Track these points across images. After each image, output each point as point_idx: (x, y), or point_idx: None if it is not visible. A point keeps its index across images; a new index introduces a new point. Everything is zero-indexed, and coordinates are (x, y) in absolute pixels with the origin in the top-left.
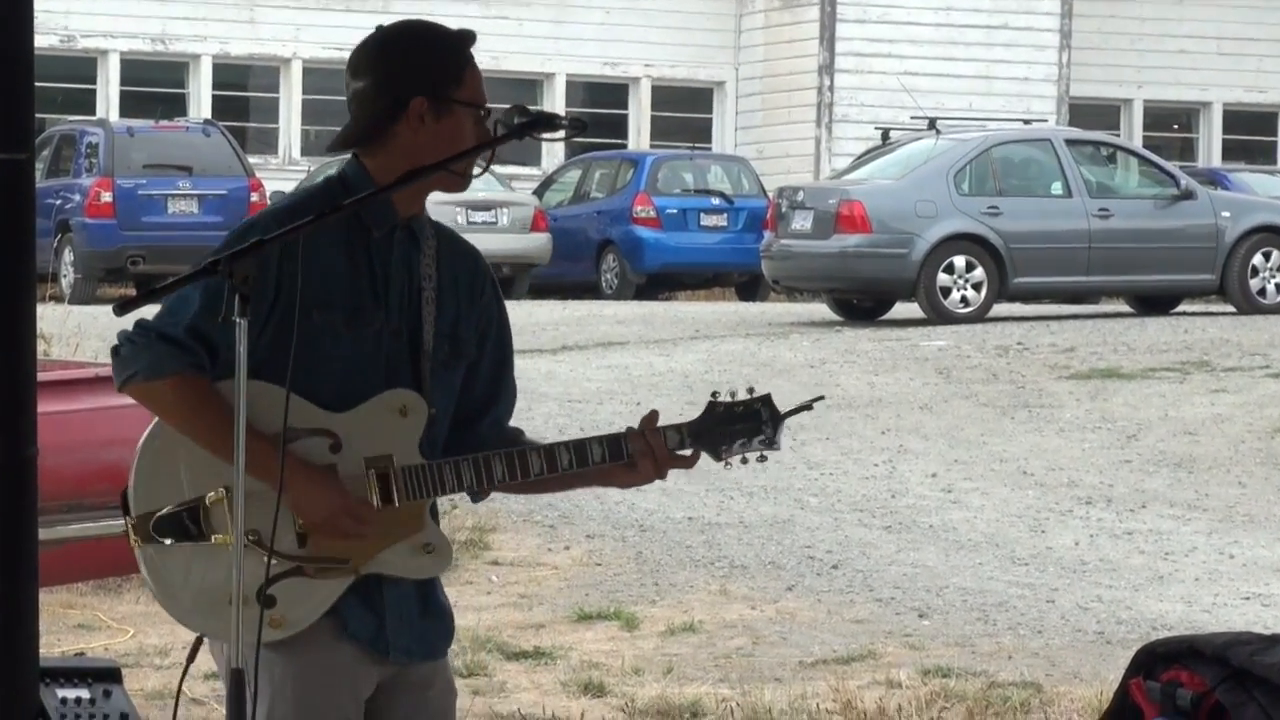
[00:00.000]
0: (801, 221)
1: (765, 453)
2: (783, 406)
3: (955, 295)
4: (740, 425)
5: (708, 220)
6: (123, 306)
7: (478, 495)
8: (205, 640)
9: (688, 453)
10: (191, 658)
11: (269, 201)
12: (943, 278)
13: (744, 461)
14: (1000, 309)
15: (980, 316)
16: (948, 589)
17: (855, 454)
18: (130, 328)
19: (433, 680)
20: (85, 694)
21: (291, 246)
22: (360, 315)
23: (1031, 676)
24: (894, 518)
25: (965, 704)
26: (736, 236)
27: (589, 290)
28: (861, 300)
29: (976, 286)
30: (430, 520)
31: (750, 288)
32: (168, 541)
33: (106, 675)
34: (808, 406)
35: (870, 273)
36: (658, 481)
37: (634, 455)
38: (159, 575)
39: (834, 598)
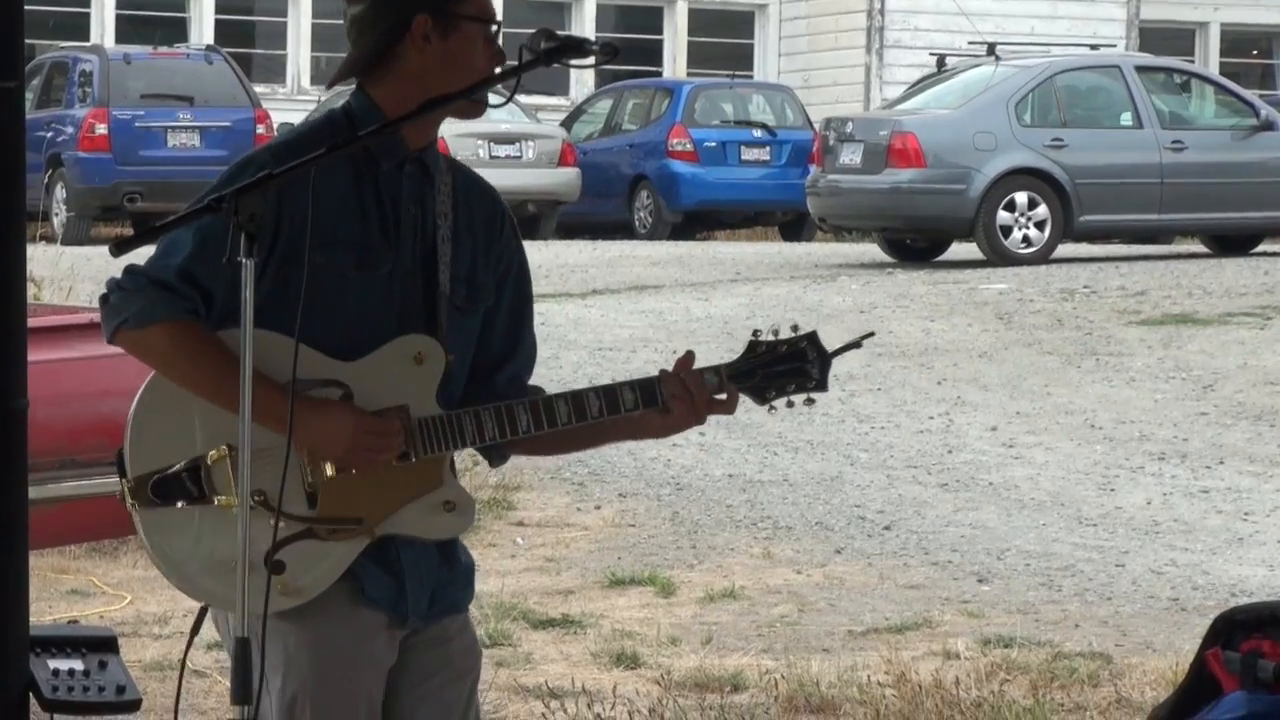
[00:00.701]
0: (850, 155)
1: (812, 395)
2: (829, 345)
3: (1016, 234)
4: (784, 366)
5: (749, 154)
6: (119, 246)
7: (497, 457)
8: (209, 610)
9: (725, 396)
10: (196, 629)
11: (275, 134)
12: (1003, 216)
13: (789, 405)
14: (1065, 249)
15: (1044, 257)
16: (1009, 552)
17: (909, 406)
18: (119, 274)
19: (453, 635)
20: (79, 665)
21: (295, 184)
22: (370, 256)
23: (1100, 647)
24: (951, 475)
25: (1028, 676)
26: (780, 171)
27: (621, 229)
28: (915, 240)
29: (1039, 225)
30: (450, 475)
31: (795, 227)
32: (168, 505)
33: (102, 645)
34: (856, 344)
35: (924, 210)
36: (695, 436)
37: (669, 399)
38: (159, 541)
39: (886, 561)
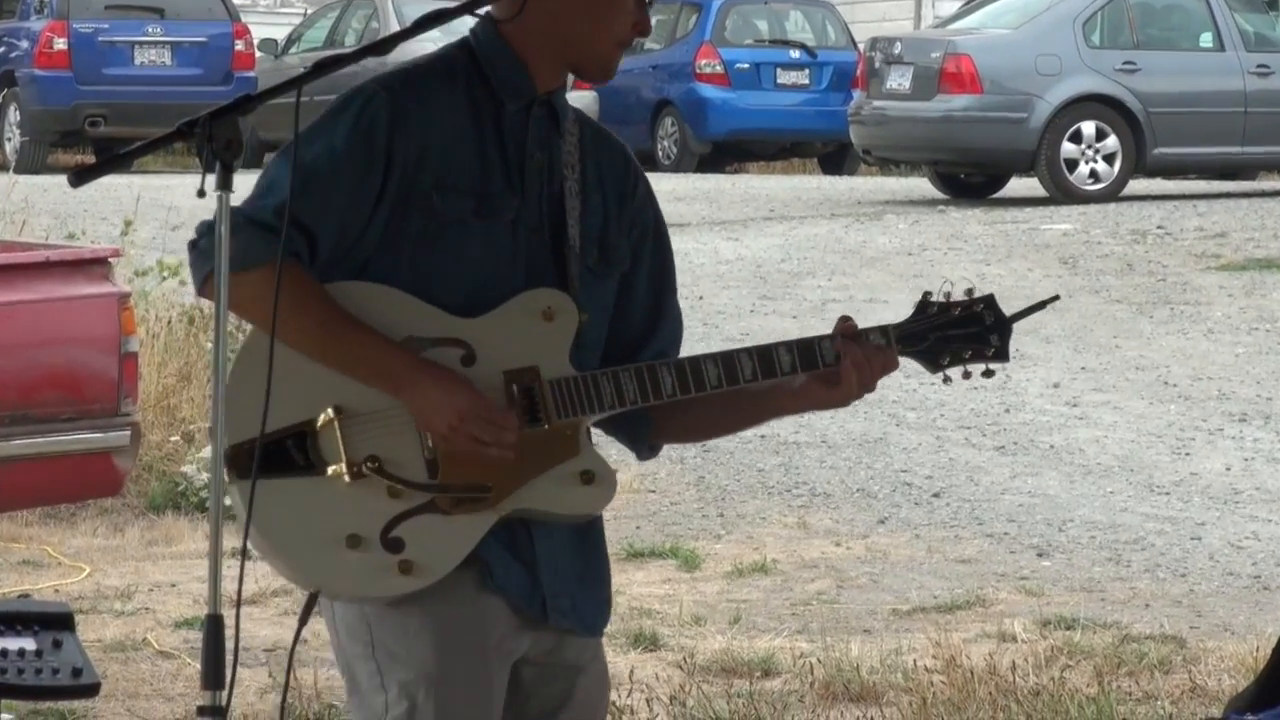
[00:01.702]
0: (898, 79)
1: (990, 366)
2: (1008, 309)
3: (1083, 169)
4: (959, 331)
5: (785, 77)
6: (79, 176)
7: (646, 448)
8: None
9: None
10: (305, 618)
11: (256, 51)
12: (1068, 148)
13: (966, 376)
14: (1137, 185)
15: (1113, 195)
16: (1072, 523)
17: None
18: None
19: (585, 664)
20: (30, 644)
21: (409, 118)
22: (491, 202)
23: (1173, 629)
24: (1008, 437)
25: (1092, 662)
26: (820, 97)
27: (643, 161)
28: (970, 175)
29: (1108, 158)
30: (588, 443)
31: (836, 159)
32: (271, 476)
33: (56, 621)
34: (1039, 307)
35: (980, 141)
36: None
37: (837, 365)
38: (260, 517)
39: (935, 533)
